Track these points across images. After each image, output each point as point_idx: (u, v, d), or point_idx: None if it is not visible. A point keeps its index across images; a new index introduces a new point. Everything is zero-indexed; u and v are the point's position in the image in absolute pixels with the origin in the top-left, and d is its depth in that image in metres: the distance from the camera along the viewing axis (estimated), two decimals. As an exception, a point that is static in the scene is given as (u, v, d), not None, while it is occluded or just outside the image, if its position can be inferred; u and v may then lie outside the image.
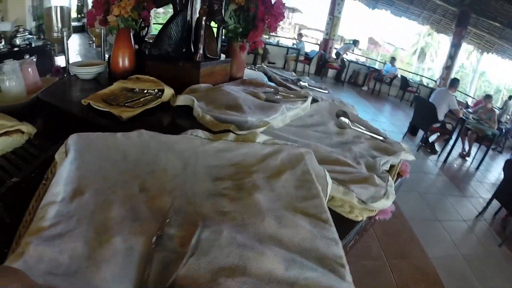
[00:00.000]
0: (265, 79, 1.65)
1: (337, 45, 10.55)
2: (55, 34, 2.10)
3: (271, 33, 1.64)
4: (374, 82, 10.10)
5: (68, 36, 2.20)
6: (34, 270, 0.49)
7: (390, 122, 7.56)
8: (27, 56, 1.55)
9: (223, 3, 1.49)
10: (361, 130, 1.32)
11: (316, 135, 1.19)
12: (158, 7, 1.52)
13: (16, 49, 3.66)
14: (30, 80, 1.45)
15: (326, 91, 1.85)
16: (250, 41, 1.57)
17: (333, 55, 10.41)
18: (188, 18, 1.48)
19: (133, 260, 0.54)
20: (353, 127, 1.32)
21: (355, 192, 0.82)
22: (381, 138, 1.29)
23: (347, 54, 10.10)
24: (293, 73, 2.17)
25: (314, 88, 1.83)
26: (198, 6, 1.49)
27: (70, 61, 1.72)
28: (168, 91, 1.24)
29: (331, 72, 10.42)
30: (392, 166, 1.12)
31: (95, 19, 1.54)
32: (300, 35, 10.35)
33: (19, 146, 1.05)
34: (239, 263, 0.54)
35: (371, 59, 11.86)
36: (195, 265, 0.53)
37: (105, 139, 0.85)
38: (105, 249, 0.54)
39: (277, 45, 10.17)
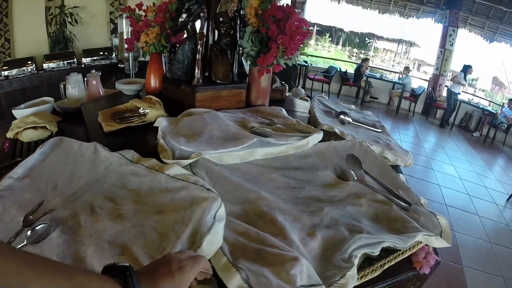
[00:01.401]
0: (283, 111, 1.57)
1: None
2: (125, 55, 2.39)
3: (289, 56, 1.51)
4: (488, 128, 8.15)
5: (137, 57, 2.44)
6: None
7: (499, 179, 5.82)
8: (93, 71, 1.83)
9: (236, 26, 1.51)
10: (371, 186, 1.06)
11: (285, 183, 1.04)
12: (174, 34, 1.61)
13: (121, 64, 4.59)
14: (93, 90, 1.76)
15: (379, 130, 1.66)
16: (261, 64, 1.49)
17: (444, 94, 8.86)
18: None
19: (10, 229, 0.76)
20: (356, 180, 1.08)
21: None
22: (398, 201, 0.99)
23: (459, 93, 8.37)
24: (352, 106, 2.05)
25: (361, 125, 1.66)
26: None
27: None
28: (153, 113, 1.30)
29: (440, 113, 8.82)
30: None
31: (133, 44, 1.73)
32: (406, 68, 9.35)
33: (42, 138, 1.38)
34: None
35: (494, 103, 10.03)
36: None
37: (71, 145, 1.04)
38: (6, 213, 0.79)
39: (381, 79, 9.43)
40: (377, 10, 9.53)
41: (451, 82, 8.55)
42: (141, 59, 2.45)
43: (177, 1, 1.58)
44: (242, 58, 1.63)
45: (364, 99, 9.07)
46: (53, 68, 5.73)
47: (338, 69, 9.26)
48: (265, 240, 0.76)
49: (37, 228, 0.74)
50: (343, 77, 9.26)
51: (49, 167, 0.98)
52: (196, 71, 1.43)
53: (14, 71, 5.53)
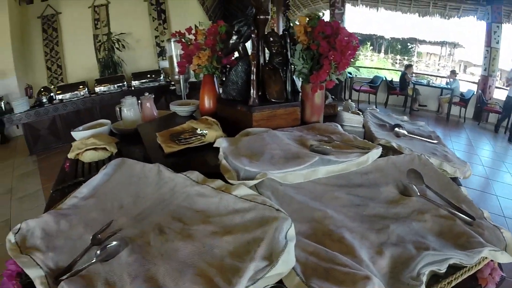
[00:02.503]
0: (339, 127, 1.55)
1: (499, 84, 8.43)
2: (176, 77, 2.47)
3: (340, 71, 1.50)
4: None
5: (187, 79, 2.51)
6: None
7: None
8: (146, 93, 1.91)
9: (287, 44, 1.51)
10: (434, 201, 1.01)
11: (349, 201, 1.01)
12: (225, 56, 1.64)
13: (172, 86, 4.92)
14: (147, 112, 1.85)
15: (435, 141, 1.60)
16: (314, 81, 1.48)
17: (495, 95, 8.20)
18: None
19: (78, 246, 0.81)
20: (419, 195, 1.04)
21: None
22: (462, 216, 0.94)
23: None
24: (405, 117, 2.00)
25: (416, 137, 1.61)
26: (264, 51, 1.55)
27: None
28: (212, 133, 1.32)
29: (493, 117, 8.09)
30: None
31: (185, 67, 1.79)
32: (453, 72, 8.77)
33: (103, 159, 1.45)
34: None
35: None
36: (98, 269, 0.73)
37: (134, 166, 1.12)
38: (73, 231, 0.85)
39: (428, 85, 8.94)
40: (417, 14, 9.19)
41: (508, 85, 7.87)
42: (192, 79, 2.53)
43: (226, 24, 1.62)
44: (294, 76, 1.63)
45: (412, 107, 8.76)
46: (105, 91, 6.06)
47: (384, 79, 9.03)
48: (335, 259, 0.74)
49: (107, 246, 0.78)
50: (389, 86, 8.98)
51: (113, 188, 1.04)
52: (252, 91, 1.45)
53: (67, 95, 5.90)
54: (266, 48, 1.57)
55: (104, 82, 6.22)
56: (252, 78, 1.45)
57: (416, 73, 10.13)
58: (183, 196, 0.93)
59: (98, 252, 0.76)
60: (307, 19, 1.50)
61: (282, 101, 1.52)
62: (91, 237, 0.82)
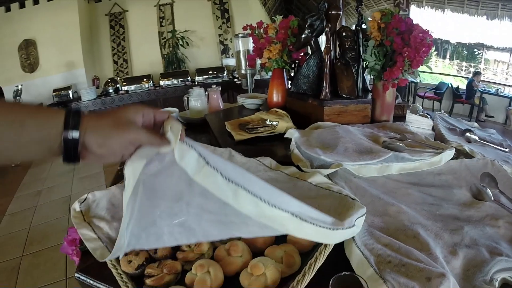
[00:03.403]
0: (409, 126, 1.50)
1: None
2: (242, 72, 2.51)
3: (413, 70, 1.46)
4: None
5: (253, 74, 2.55)
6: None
7: None
8: (214, 86, 1.97)
9: (359, 40, 1.49)
10: (508, 208, 0.96)
11: (422, 199, 0.99)
12: (297, 50, 1.64)
13: (235, 80, 5.14)
14: (213, 103, 1.91)
15: (506, 150, 1.47)
16: (387, 78, 1.45)
17: None
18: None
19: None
20: (492, 200, 0.98)
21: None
22: None
23: None
24: (475, 123, 1.92)
25: (487, 144, 1.51)
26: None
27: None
28: (283, 124, 1.33)
29: None
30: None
31: (254, 61, 1.82)
32: None
33: None
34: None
35: None
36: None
37: (206, 148, 1.10)
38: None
39: (497, 94, 8.27)
40: (485, 16, 8.57)
41: None
42: (256, 77, 2.58)
43: (298, 18, 1.63)
44: (364, 73, 1.61)
45: (478, 117, 8.18)
46: (169, 85, 6.29)
47: (449, 85, 8.57)
48: (409, 254, 0.72)
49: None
50: (455, 93, 8.45)
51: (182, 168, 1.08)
52: (324, 85, 1.45)
53: (132, 87, 6.22)
54: (338, 43, 1.56)
55: (168, 76, 6.47)
56: (325, 71, 1.44)
57: (483, 81, 9.52)
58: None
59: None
60: (381, 14, 1.47)
61: (353, 97, 1.50)
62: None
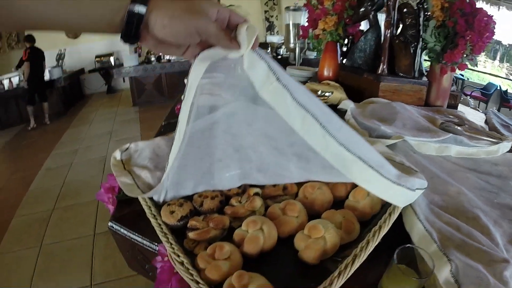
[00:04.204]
0: (465, 114, 1.42)
1: None
2: (291, 45, 2.47)
3: (474, 55, 1.38)
4: None
5: (302, 49, 2.50)
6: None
7: None
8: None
9: (420, 18, 1.41)
10: None
11: (480, 185, 0.95)
12: (354, 23, 1.58)
13: (279, 57, 5.13)
14: None
15: None
16: (448, 61, 1.38)
17: None
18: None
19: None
20: None
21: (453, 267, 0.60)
22: None
23: None
24: None
25: None
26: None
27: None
28: (337, 95, 1.29)
29: None
30: None
31: (307, 32, 1.77)
32: None
33: None
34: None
35: None
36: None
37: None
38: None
39: None
40: None
41: None
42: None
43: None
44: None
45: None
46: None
47: (498, 87, 8.17)
48: (471, 235, 0.69)
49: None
50: (503, 97, 8.06)
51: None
52: (382, 60, 1.39)
53: (174, 56, 6.28)
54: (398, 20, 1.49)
55: (213, 46, 6.52)
56: (384, 46, 1.38)
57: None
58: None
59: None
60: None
61: (409, 77, 1.43)
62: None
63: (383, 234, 0.64)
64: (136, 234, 0.76)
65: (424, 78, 1.48)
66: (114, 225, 0.80)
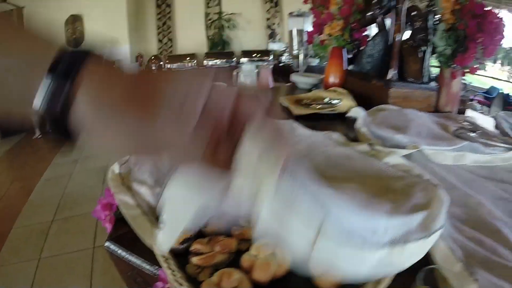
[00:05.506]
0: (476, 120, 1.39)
1: None
2: (295, 52, 2.44)
3: (485, 58, 1.35)
4: None
5: (305, 56, 2.46)
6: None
7: None
8: (266, 63, 1.93)
9: (429, 21, 1.37)
10: None
11: (498, 194, 0.89)
12: (362, 27, 1.54)
13: (281, 64, 4.86)
14: (263, 80, 1.88)
15: None
16: (459, 65, 1.34)
17: None
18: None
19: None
20: None
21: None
22: None
23: None
24: None
25: None
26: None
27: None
28: (346, 103, 1.25)
29: None
30: None
31: (313, 37, 1.72)
32: None
33: None
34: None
35: None
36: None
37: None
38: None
39: None
40: None
41: None
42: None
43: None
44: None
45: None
46: (213, 65, 6.29)
47: (500, 91, 8.14)
48: (496, 250, 0.63)
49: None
50: (505, 100, 8.06)
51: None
52: (392, 64, 1.34)
53: (175, 65, 6.28)
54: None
55: (213, 56, 6.49)
56: (394, 51, 1.34)
57: (536, 91, 8.97)
58: (324, 156, 0.85)
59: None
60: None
61: (419, 82, 1.39)
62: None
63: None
64: (135, 256, 0.70)
65: (433, 83, 1.44)
66: (111, 246, 0.74)
